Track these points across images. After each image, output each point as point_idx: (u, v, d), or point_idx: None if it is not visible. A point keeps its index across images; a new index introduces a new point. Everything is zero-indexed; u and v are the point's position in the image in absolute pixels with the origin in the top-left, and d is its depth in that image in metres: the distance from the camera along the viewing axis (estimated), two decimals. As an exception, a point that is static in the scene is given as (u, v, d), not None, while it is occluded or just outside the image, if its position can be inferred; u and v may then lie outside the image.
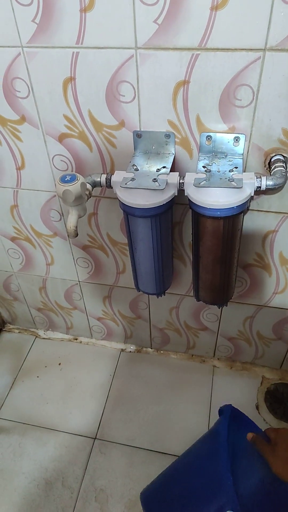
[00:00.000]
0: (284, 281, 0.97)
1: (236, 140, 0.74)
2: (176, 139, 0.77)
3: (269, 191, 0.79)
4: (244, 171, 0.77)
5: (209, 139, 0.75)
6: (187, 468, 0.78)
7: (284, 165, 0.72)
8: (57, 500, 1.02)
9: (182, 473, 0.78)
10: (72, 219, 0.71)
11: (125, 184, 0.72)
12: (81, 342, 1.39)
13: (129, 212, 0.73)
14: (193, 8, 0.61)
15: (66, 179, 0.68)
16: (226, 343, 1.22)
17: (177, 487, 0.75)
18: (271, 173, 0.73)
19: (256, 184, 0.70)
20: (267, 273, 0.96)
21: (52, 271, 1.17)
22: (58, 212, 0.99)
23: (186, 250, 0.97)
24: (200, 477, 0.71)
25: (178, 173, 0.73)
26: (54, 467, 1.08)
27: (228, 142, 0.74)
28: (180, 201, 0.83)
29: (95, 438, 1.13)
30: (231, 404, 0.75)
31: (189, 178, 0.72)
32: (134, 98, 0.73)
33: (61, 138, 0.83)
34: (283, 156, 0.73)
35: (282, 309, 1.04)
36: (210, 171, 0.72)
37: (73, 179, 0.68)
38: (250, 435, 0.68)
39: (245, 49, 0.63)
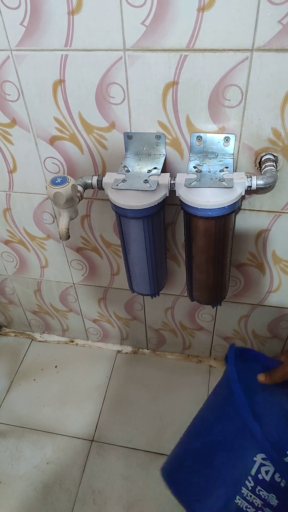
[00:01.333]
0: (278, 280, 0.97)
1: (226, 140, 0.74)
2: (166, 140, 0.77)
3: (260, 190, 0.80)
4: (234, 170, 0.77)
5: (199, 139, 0.75)
6: (203, 426, 0.73)
7: (274, 164, 0.73)
8: (55, 503, 1.01)
9: (199, 433, 0.73)
10: (63, 221, 0.71)
11: (117, 185, 0.72)
12: (77, 344, 1.38)
13: (121, 214, 0.74)
14: (180, 9, 0.61)
15: (56, 181, 0.68)
16: (222, 342, 1.22)
17: (196, 448, 0.70)
18: (262, 173, 0.73)
19: (247, 184, 0.70)
20: (260, 272, 0.96)
21: (46, 274, 1.16)
22: (51, 215, 0.99)
23: (180, 250, 0.97)
24: (219, 429, 0.67)
25: (169, 173, 0.73)
26: (51, 470, 1.07)
27: (219, 142, 0.75)
28: (172, 201, 0.84)
29: (93, 440, 1.13)
30: (233, 344, 0.72)
31: (180, 178, 0.72)
32: (124, 99, 0.73)
33: (52, 140, 0.83)
34: (273, 155, 0.74)
35: (277, 307, 1.04)
36: (201, 171, 0.73)
37: (63, 181, 0.68)
38: (261, 377, 0.66)
39: (232, 50, 0.64)
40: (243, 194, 0.71)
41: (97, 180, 0.76)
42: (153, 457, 1.09)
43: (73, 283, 1.17)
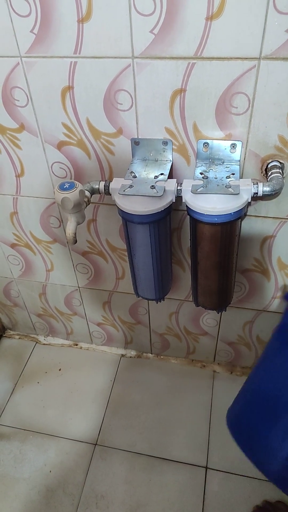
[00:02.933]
0: (283, 286, 0.97)
1: (233, 147, 0.74)
2: (173, 146, 0.77)
3: (266, 197, 0.80)
4: (241, 177, 0.78)
5: (206, 146, 0.75)
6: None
7: (280, 171, 0.73)
8: (58, 507, 1.01)
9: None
10: (71, 226, 0.71)
11: (124, 191, 0.73)
12: (81, 347, 1.39)
13: (127, 219, 0.74)
14: (188, 18, 0.62)
15: (64, 186, 0.68)
16: (226, 347, 1.22)
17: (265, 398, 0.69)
18: (268, 179, 0.73)
19: (253, 190, 0.71)
20: (265, 278, 0.97)
21: (52, 277, 1.17)
22: (58, 219, 1.00)
23: (185, 255, 0.97)
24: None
25: (175, 180, 0.74)
26: (55, 473, 1.08)
27: (225, 149, 0.75)
28: (178, 207, 0.84)
29: (96, 444, 1.13)
30: None
31: (187, 184, 0.72)
32: (131, 106, 0.74)
33: (60, 145, 0.84)
34: (280, 162, 0.74)
35: (281, 313, 1.04)
36: (207, 177, 0.73)
37: (71, 186, 0.68)
38: None
39: (240, 58, 0.64)
40: (249, 201, 0.72)
41: (104, 185, 0.76)
42: (156, 462, 1.09)
43: (78, 287, 1.17)
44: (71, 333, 1.37)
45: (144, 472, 1.07)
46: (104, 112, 0.76)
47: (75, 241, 0.72)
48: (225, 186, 0.71)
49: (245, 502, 1.00)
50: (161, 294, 0.90)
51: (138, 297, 0.93)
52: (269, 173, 0.73)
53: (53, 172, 0.89)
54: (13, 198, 0.98)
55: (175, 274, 1.02)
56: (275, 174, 0.72)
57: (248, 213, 0.85)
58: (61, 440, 1.14)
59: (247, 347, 1.19)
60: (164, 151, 0.78)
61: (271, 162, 0.74)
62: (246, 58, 0.64)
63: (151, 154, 0.79)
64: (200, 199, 0.70)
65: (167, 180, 0.74)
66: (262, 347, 1.17)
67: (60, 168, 0.88)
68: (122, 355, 1.35)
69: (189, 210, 0.72)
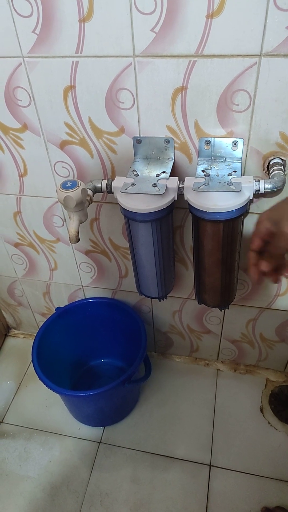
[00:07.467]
0: (286, 283, 0.97)
1: (235, 144, 0.75)
2: (175, 144, 0.78)
3: (269, 194, 0.80)
4: (243, 174, 0.78)
5: (207, 143, 0.76)
6: None
7: (282, 168, 0.73)
8: (63, 504, 1.02)
9: None
10: (73, 225, 0.72)
11: (126, 189, 0.73)
12: (85, 346, 1.39)
13: (129, 217, 0.74)
14: (189, 16, 0.62)
15: (67, 185, 0.69)
16: (229, 346, 1.22)
17: None
18: (270, 176, 0.73)
19: (255, 188, 0.71)
20: (268, 275, 0.96)
21: (55, 276, 1.18)
22: (61, 218, 1.00)
23: (188, 253, 0.98)
24: None
25: (177, 177, 0.74)
26: (59, 471, 1.08)
27: (227, 146, 0.75)
28: (180, 205, 0.84)
29: (100, 442, 1.13)
30: None
31: (189, 182, 0.72)
32: (133, 105, 0.74)
33: (62, 145, 0.84)
34: (282, 159, 0.74)
35: (285, 311, 1.04)
36: (209, 175, 0.73)
37: (74, 185, 0.69)
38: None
39: (241, 55, 0.64)
40: (251, 198, 0.72)
41: (106, 184, 0.77)
42: (160, 460, 1.09)
43: (82, 286, 1.18)
44: (75, 332, 1.37)
45: (148, 470, 1.07)
46: (106, 111, 0.76)
47: (78, 240, 0.72)
48: (227, 184, 0.71)
49: (249, 499, 1.00)
50: (164, 292, 0.91)
51: (141, 295, 0.94)
52: (271, 170, 0.74)
53: (56, 172, 0.90)
54: (17, 197, 0.99)
55: (178, 272, 1.02)
56: (277, 171, 0.72)
57: (250, 211, 0.85)
58: (65, 438, 1.15)
59: (250, 345, 1.19)
60: (166, 149, 0.78)
61: (273, 159, 0.74)
62: (247, 55, 0.64)
63: (153, 153, 0.79)
64: (202, 197, 0.70)
65: (169, 178, 0.74)
66: (266, 345, 1.17)
67: (62, 167, 0.88)
68: (126, 354, 1.35)
69: (191, 207, 0.73)
